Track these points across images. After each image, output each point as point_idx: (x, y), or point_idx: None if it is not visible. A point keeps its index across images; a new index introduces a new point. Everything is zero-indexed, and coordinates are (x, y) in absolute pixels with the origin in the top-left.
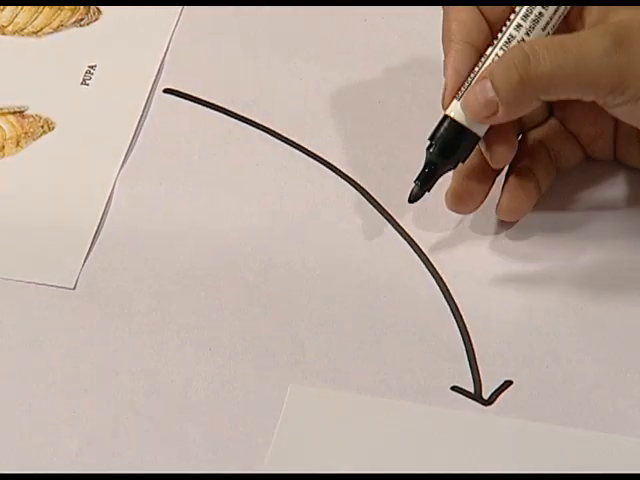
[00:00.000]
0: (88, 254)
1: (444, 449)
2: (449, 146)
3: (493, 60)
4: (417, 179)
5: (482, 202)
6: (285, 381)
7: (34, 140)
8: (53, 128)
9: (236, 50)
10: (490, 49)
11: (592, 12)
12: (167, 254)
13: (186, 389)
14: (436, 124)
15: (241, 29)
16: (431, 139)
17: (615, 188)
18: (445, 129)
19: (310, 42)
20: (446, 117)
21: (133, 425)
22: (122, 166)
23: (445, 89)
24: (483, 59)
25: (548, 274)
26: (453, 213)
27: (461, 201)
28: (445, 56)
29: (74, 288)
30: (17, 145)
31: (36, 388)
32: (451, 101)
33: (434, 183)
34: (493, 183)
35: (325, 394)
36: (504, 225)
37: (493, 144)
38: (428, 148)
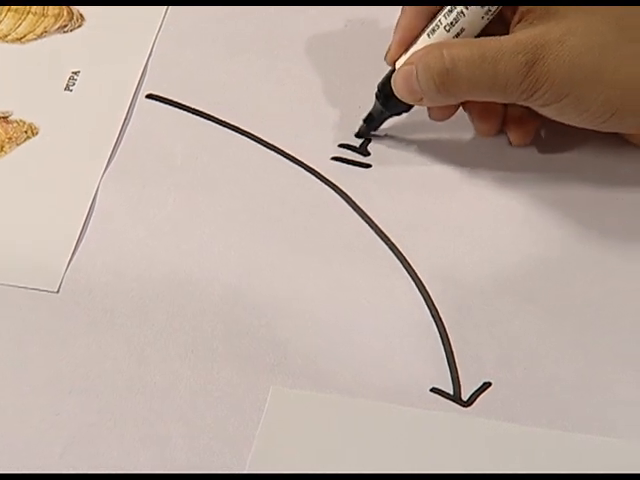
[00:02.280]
0: (72, 258)
1: (424, 450)
2: (392, 99)
3: (437, 25)
4: (364, 120)
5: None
6: (267, 383)
7: (18, 145)
8: (37, 133)
9: (218, 56)
10: (439, 13)
11: None
12: (149, 257)
13: (168, 391)
14: (386, 74)
15: (223, 35)
16: (379, 88)
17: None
18: (390, 82)
19: (292, 47)
20: (394, 70)
21: (117, 427)
22: (105, 170)
23: (392, 43)
24: (432, 22)
25: (526, 277)
26: (434, 216)
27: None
28: (399, 16)
29: (58, 291)
30: (1, 150)
31: (20, 390)
32: (399, 56)
33: (379, 126)
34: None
35: (306, 396)
36: (484, 229)
37: (476, 119)
38: (376, 96)
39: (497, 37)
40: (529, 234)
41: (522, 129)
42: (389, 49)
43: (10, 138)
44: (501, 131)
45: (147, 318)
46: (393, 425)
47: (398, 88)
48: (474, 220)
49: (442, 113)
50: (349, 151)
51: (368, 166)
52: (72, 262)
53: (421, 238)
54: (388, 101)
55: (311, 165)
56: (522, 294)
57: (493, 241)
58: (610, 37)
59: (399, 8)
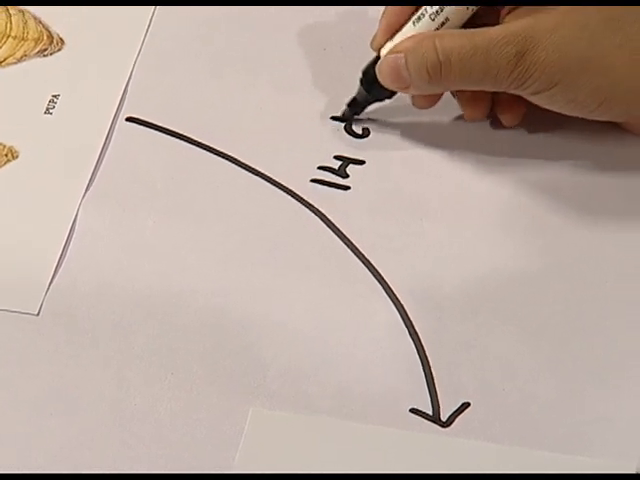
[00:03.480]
0: (52, 280)
1: (404, 471)
2: (376, 85)
3: (422, 13)
4: (348, 105)
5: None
6: (246, 405)
7: None
8: (17, 157)
9: (198, 79)
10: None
11: None
12: (129, 280)
13: (148, 413)
14: (370, 60)
15: (202, 58)
16: (363, 74)
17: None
18: (374, 68)
19: (271, 69)
20: (378, 57)
21: (97, 448)
22: (85, 193)
23: (378, 30)
24: (418, 10)
25: (504, 297)
26: (412, 237)
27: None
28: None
29: (38, 314)
30: None
31: (0, 412)
32: (384, 42)
33: (362, 110)
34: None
35: (286, 417)
36: (462, 248)
37: (465, 105)
38: (360, 81)
39: (488, 28)
40: (507, 250)
41: (512, 111)
42: (375, 36)
43: None
44: (488, 118)
45: (127, 340)
46: (373, 446)
47: (383, 76)
48: (452, 239)
49: (426, 101)
50: (328, 173)
51: (347, 188)
52: (52, 285)
53: (399, 259)
54: (371, 87)
55: (290, 187)
56: (500, 314)
57: (471, 261)
58: (598, 28)
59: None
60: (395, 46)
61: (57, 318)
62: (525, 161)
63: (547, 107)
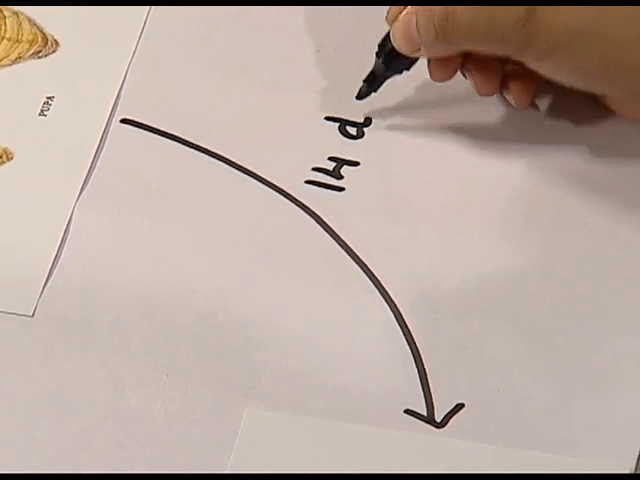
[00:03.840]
0: (46, 282)
1: (398, 471)
2: (393, 57)
3: None
4: (365, 80)
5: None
6: (241, 406)
7: None
8: (12, 158)
9: (192, 80)
10: None
11: None
12: (124, 282)
13: (144, 415)
14: (385, 34)
15: (197, 59)
16: (379, 47)
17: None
18: (390, 41)
19: (266, 72)
20: None
21: (91, 450)
22: (80, 195)
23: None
24: None
25: (498, 299)
26: (406, 238)
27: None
28: None
29: (33, 315)
30: None
31: None
32: (398, 14)
33: (379, 86)
34: None
35: (281, 419)
36: (456, 249)
37: (475, 78)
38: (377, 55)
39: None
40: (501, 252)
41: (521, 89)
42: (389, 9)
43: None
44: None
45: (122, 342)
46: (367, 447)
47: (397, 38)
48: (447, 240)
49: (442, 71)
50: (323, 174)
51: (341, 189)
52: (47, 286)
53: (394, 260)
54: (388, 58)
55: (284, 188)
56: (495, 315)
57: (465, 262)
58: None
59: (373, 31)
60: (408, 9)
61: (52, 319)
62: (523, 163)
63: (552, 77)
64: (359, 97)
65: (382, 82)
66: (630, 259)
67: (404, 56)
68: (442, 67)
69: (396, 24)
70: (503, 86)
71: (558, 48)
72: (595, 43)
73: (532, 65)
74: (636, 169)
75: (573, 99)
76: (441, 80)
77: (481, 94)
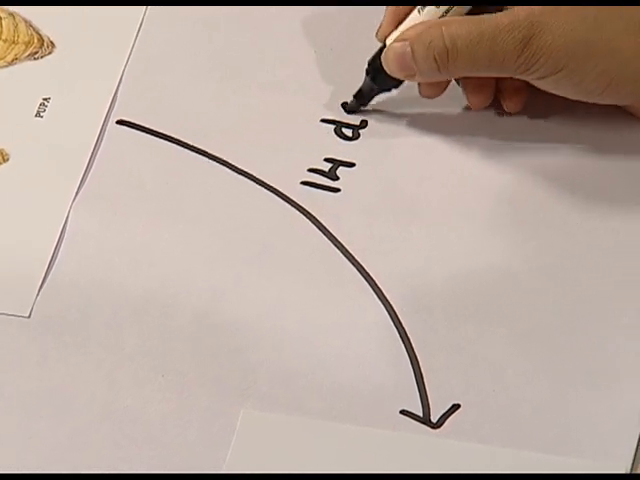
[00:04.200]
0: (43, 283)
1: (394, 472)
2: (382, 74)
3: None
4: (354, 95)
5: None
6: (237, 407)
7: None
8: (8, 159)
9: (187, 82)
10: None
11: None
12: (120, 283)
13: (140, 415)
14: (377, 50)
15: (193, 60)
16: (369, 64)
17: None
18: (380, 58)
19: (262, 74)
20: (384, 47)
21: (88, 450)
22: (76, 196)
23: (383, 20)
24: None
25: (494, 299)
26: (401, 239)
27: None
28: None
29: (29, 316)
30: None
31: None
32: (389, 32)
33: (369, 101)
34: None
35: (277, 419)
36: (452, 250)
37: (469, 92)
38: (367, 71)
39: (494, 14)
40: (497, 252)
41: (515, 97)
42: (380, 26)
43: None
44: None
45: (118, 342)
46: (363, 447)
47: (390, 64)
48: (442, 241)
49: (433, 90)
50: (318, 175)
51: (337, 190)
52: (43, 287)
53: (389, 261)
54: (378, 76)
55: (280, 189)
56: (491, 316)
57: (461, 263)
58: (603, 12)
59: (370, 33)
60: (401, 34)
61: (48, 320)
62: (519, 164)
63: (553, 91)
64: (348, 111)
65: (371, 98)
66: (626, 258)
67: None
68: (433, 87)
69: (390, 51)
70: (497, 93)
71: (558, 69)
72: (593, 61)
73: (534, 83)
74: (632, 165)
75: (566, 100)
76: (430, 97)
77: (475, 107)
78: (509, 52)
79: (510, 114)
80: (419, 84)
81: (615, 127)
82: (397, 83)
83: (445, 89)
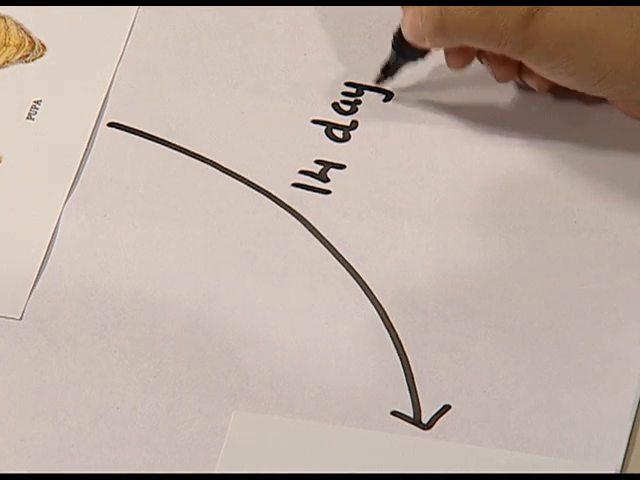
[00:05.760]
0: (34, 285)
1: (384, 472)
2: (407, 45)
3: None
4: (382, 69)
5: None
6: (229, 408)
7: None
8: None
9: (179, 84)
10: None
11: None
12: (112, 284)
13: (131, 416)
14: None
15: (184, 63)
16: (394, 36)
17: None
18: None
19: (252, 74)
20: None
21: (80, 452)
22: (67, 198)
23: None
24: None
25: (485, 300)
26: (392, 240)
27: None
28: None
29: (21, 318)
30: None
31: None
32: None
33: (395, 73)
34: None
35: (268, 420)
36: (443, 251)
37: (492, 64)
38: (392, 45)
39: None
40: (489, 253)
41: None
42: None
43: None
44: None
45: (110, 344)
46: (354, 448)
47: (405, 28)
48: (433, 242)
49: (456, 60)
50: (309, 177)
51: (328, 192)
52: (35, 289)
53: (380, 263)
54: (401, 48)
55: (271, 191)
56: (482, 317)
57: (453, 263)
58: (606, 7)
59: (360, 34)
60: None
61: (40, 323)
62: (507, 164)
63: (550, 79)
64: (377, 82)
65: (397, 70)
66: (617, 257)
67: (415, 46)
68: (457, 55)
69: (405, 15)
70: (524, 70)
71: (556, 53)
72: (592, 50)
73: (530, 66)
74: (625, 162)
75: (567, 95)
76: (456, 67)
77: (499, 80)
78: (509, 27)
79: (534, 91)
80: (445, 55)
81: (606, 124)
82: (421, 54)
83: (471, 60)
